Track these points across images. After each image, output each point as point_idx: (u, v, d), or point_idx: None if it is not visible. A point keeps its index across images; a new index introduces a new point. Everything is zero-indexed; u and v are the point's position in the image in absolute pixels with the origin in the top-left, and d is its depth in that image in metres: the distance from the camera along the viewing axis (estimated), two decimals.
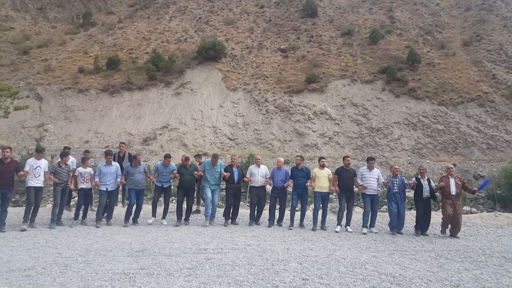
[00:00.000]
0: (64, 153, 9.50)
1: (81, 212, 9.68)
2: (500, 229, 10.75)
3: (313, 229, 9.65)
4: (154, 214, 9.99)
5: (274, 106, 25.85)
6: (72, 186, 9.76)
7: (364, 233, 9.40)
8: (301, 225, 9.98)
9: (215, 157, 10.03)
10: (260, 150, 22.52)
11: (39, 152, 9.01)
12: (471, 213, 13.13)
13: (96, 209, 10.04)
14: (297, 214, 10.50)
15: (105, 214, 9.64)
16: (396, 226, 9.69)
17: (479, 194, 15.78)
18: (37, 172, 8.72)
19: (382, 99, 26.02)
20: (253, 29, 37.12)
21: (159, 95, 27.45)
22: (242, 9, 41.33)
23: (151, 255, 6.19)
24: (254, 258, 6.19)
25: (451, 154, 22.47)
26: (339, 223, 9.80)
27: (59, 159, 9.42)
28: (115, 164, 9.85)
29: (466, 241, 8.88)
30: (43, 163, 8.92)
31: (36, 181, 8.71)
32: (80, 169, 9.60)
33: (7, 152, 8.39)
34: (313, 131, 24.39)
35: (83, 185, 9.49)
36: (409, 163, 20.20)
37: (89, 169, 9.71)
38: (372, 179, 9.86)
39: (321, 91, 26.73)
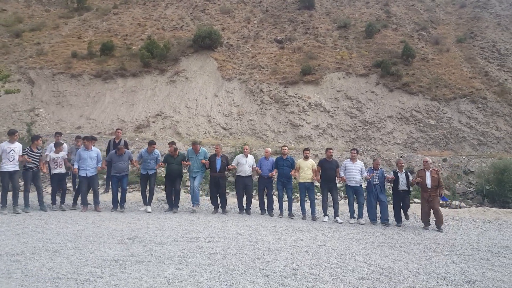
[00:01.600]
0: (36, 137, 9.37)
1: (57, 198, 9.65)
2: (487, 224, 10.94)
3: (303, 218, 9.85)
4: (145, 202, 10.02)
5: (269, 97, 25.78)
6: (45, 170, 9.59)
7: (351, 223, 9.61)
8: (290, 215, 10.10)
9: (194, 143, 10.25)
10: (254, 141, 22.52)
11: (12, 134, 8.78)
12: (460, 207, 13.33)
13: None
14: (285, 204, 10.63)
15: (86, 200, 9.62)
16: (374, 217, 10.00)
17: (468, 189, 16.05)
18: (11, 156, 8.54)
19: (376, 92, 26.07)
20: (249, 19, 36.80)
21: (153, 82, 27.18)
22: None
23: (142, 243, 6.19)
24: (245, 248, 6.23)
25: (442, 149, 22.67)
26: (325, 214, 10.02)
27: (31, 143, 9.31)
28: (95, 149, 9.78)
29: (454, 235, 9.02)
30: (17, 147, 8.73)
31: (10, 165, 8.56)
32: (52, 154, 9.47)
33: None
34: (307, 122, 24.40)
35: (56, 170, 9.39)
36: (401, 156, 20.35)
37: (62, 154, 9.60)
38: (355, 170, 10.07)
39: (316, 83, 26.69)
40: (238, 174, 10.33)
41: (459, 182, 17.16)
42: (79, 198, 9.68)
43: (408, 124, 24.25)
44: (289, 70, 27.87)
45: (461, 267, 5.92)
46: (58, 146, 9.69)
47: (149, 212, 9.57)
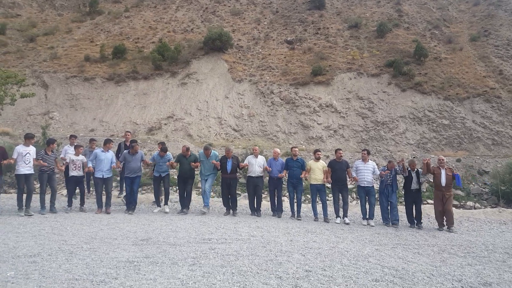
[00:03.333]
0: (51, 141, 9.55)
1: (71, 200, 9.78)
2: (503, 225, 10.75)
3: (315, 220, 9.81)
4: (158, 204, 10.11)
5: (279, 98, 25.76)
6: (62, 169, 9.64)
7: (364, 225, 9.55)
8: (298, 216, 10.08)
9: (207, 149, 10.27)
10: (265, 142, 22.52)
11: (28, 138, 8.94)
12: (475, 208, 13.13)
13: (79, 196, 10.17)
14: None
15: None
16: (388, 218, 9.88)
17: (483, 189, 15.76)
18: (27, 159, 8.72)
19: (388, 92, 25.85)
20: (260, 20, 36.86)
21: (164, 85, 27.42)
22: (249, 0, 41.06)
23: (155, 244, 6.26)
24: (258, 249, 6.24)
25: (456, 149, 22.35)
26: (337, 215, 9.95)
27: (71, 148, 9.54)
28: (111, 152, 9.94)
29: (469, 236, 8.89)
30: (32, 150, 8.90)
31: (26, 168, 8.73)
32: (72, 156, 9.62)
33: None
34: (318, 123, 24.32)
35: (74, 173, 9.52)
36: (414, 157, 20.12)
37: (81, 157, 9.75)
38: (366, 171, 9.99)
39: (327, 84, 26.58)
40: (249, 174, 10.37)
41: (473, 183, 16.89)
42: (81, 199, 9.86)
43: (421, 124, 23.98)
44: (299, 71, 27.82)
45: (476, 269, 5.83)
46: (78, 148, 9.85)
47: (166, 212, 9.66)
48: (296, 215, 10.12)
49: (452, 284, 4.99)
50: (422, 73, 27.20)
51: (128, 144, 11.42)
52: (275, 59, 29.84)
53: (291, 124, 24.40)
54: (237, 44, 31.85)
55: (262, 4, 40.10)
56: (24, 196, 8.73)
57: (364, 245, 7.16)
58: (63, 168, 9.66)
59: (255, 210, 10.33)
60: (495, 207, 13.79)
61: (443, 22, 35.76)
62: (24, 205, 8.69)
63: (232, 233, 7.53)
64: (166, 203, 10.10)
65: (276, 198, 10.46)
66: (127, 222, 8.26)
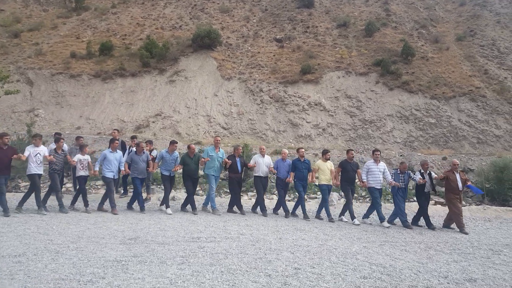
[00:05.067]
0: (58, 139, 9.41)
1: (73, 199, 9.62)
2: (488, 222, 10.96)
3: (330, 220, 9.60)
4: (167, 205, 9.77)
5: (269, 96, 25.79)
6: (73, 163, 9.43)
7: (387, 227, 9.22)
8: (305, 217, 9.92)
9: (217, 142, 10.13)
10: (254, 140, 22.52)
11: (37, 138, 8.88)
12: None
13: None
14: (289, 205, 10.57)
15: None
16: (406, 219, 9.59)
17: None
18: (38, 159, 8.66)
19: (375, 91, 26.10)
20: (249, 18, 36.79)
21: (152, 82, 27.18)
22: None
23: (143, 243, 6.20)
24: (247, 247, 6.24)
25: (442, 147, 22.71)
26: (353, 216, 9.67)
27: (54, 145, 9.33)
28: (119, 152, 9.75)
29: (454, 233, 9.03)
30: (43, 150, 8.84)
31: (38, 168, 8.67)
32: (79, 156, 9.46)
33: (6, 138, 8.32)
34: (307, 122, 24.43)
35: (81, 172, 9.36)
36: (401, 155, 20.38)
37: (87, 156, 9.60)
38: (379, 172, 9.76)
39: (316, 82, 26.71)
40: (256, 174, 10.21)
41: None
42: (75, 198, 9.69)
43: (407, 123, 24.28)
44: (288, 69, 27.88)
45: (462, 265, 5.94)
46: (84, 147, 9.69)
47: (170, 214, 9.43)
48: (304, 216, 9.88)
49: (438, 280, 5.07)
50: (409, 72, 27.54)
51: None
52: (264, 57, 29.84)
53: (280, 122, 24.45)
54: (226, 41, 31.75)
55: (251, 2, 40.02)
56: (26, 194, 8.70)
57: (352, 242, 7.22)
58: (74, 163, 9.41)
59: (262, 209, 10.21)
60: (479, 205, 14.05)
61: (430, 22, 36.23)
62: (38, 204, 8.70)
63: (221, 231, 7.52)
64: (168, 205, 9.92)
65: (279, 199, 10.35)
66: (114, 221, 8.16)
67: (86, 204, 9.25)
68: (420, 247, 7.19)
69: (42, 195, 9.10)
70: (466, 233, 9.01)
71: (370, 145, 22.20)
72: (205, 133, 23.57)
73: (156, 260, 5.21)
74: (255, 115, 24.86)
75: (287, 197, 11.99)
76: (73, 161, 9.28)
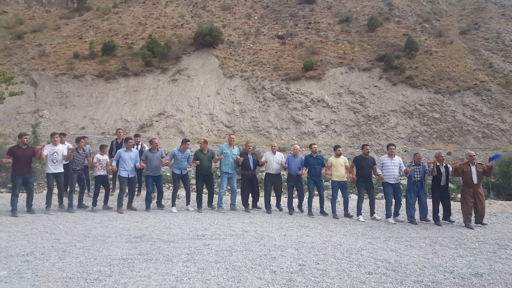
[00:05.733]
0: (79, 138, 9.57)
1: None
2: (493, 217, 10.91)
3: (335, 217, 9.51)
4: (174, 203, 9.82)
5: (271, 93, 25.76)
6: (94, 164, 9.51)
7: (394, 223, 9.16)
8: (322, 212, 9.90)
9: (232, 139, 10.17)
10: (257, 138, 22.53)
11: (56, 136, 9.02)
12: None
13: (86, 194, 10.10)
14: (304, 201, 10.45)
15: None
16: (413, 215, 9.44)
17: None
18: (54, 158, 8.76)
19: (379, 87, 25.99)
20: (250, 15, 36.72)
21: (155, 81, 27.24)
22: None
23: (149, 241, 6.24)
24: (252, 244, 6.26)
25: (446, 142, 22.61)
26: (359, 213, 9.57)
27: (76, 145, 9.48)
28: (135, 151, 9.80)
29: (460, 228, 9.00)
30: (61, 148, 8.95)
31: (54, 167, 8.79)
32: (99, 156, 9.56)
33: (26, 138, 8.43)
34: (310, 119, 24.39)
35: (99, 172, 9.45)
36: (405, 151, 20.32)
37: (106, 156, 9.70)
38: (394, 167, 9.61)
39: (319, 78, 26.64)
40: (267, 172, 10.20)
41: None
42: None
43: (411, 118, 24.18)
44: (291, 66, 27.83)
45: (468, 260, 5.92)
46: (103, 148, 9.78)
47: (189, 210, 9.45)
48: (320, 210, 9.87)
49: (444, 275, 5.06)
50: (413, 67, 27.40)
51: (119, 141, 11.32)
52: (266, 54, 29.79)
53: (283, 119, 24.44)
54: (228, 39, 31.73)
55: None
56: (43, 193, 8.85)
57: (357, 238, 7.22)
58: (96, 164, 9.49)
59: (275, 206, 10.17)
60: (485, 199, 13.96)
61: (434, 16, 35.98)
62: (61, 202, 8.90)
63: (225, 229, 7.54)
64: (188, 203, 9.94)
65: (298, 195, 10.28)
66: (120, 219, 8.22)
67: (94, 203, 9.38)
68: (425, 242, 7.18)
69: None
70: (472, 228, 8.91)
71: (374, 141, 22.15)
72: (208, 131, 23.61)
73: (161, 258, 5.24)
74: (258, 113, 24.86)
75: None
76: (94, 162, 9.41)
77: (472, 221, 9.21)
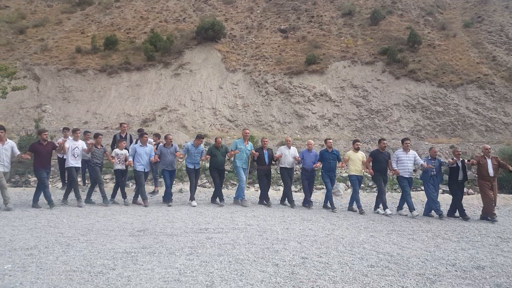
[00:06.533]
0: (97, 135, 9.71)
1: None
2: (496, 210, 10.87)
3: (361, 212, 9.43)
4: (194, 197, 9.86)
5: (274, 87, 25.71)
6: (112, 160, 9.66)
7: (416, 216, 9.12)
8: (333, 208, 9.90)
9: (246, 135, 10.26)
10: (259, 132, 22.52)
11: (76, 132, 9.33)
12: (468, 194, 13.25)
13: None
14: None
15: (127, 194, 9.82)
16: (439, 208, 9.37)
17: (476, 176, 15.75)
18: (76, 152, 9.09)
19: (382, 80, 25.89)
20: (252, 8, 36.54)
21: (157, 76, 27.23)
22: None
23: (152, 235, 6.28)
24: (254, 238, 6.29)
25: (449, 136, 22.53)
26: (385, 206, 9.47)
27: (93, 140, 9.65)
28: (149, 146, 9.88)
29: (462, 221, 9.00)
30: (81, 144, 9.30)
31: (75, 161, 9.11)
32: (117, 150, 9.66)
33: (45, 134, 8.66)
34: (312, 113, 24.35)
35: (118, 166, 9.55)
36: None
37: (125, 151, 9.77)
38: (409, 161, 9.57)
39: (321, 72, 26.55)
40: (282, 166, 10.20)
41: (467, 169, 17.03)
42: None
43: (414, 112, 24.09)
44: (293, 60, 27.73)
45: (470, 253, 5.93)
46: (121, 141, 9.85)
47: (194, 206, 9.50)
48: (332, 207, 9.77)
49: (446, 268, 5.07)
50: (416, 61, 27.24)
51: (123, 135, 11.34)
52: (268, 48, 29.69)
53: (285, 113, 24.40)
54: (230, 33, 31.62)
55: None
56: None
57: (359, 231, 7.23)
58: (112, 160, 9.62)
59: (290, 200, 10.20)
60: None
61: (437, 9, 35.69)
62: (77, 196, 9.04)
63: (228, 222, 7.57)
64: (193, 198, 9.97)
65: (309, 190, 10.31)
66: (123, 213, 8.26)
67: (113, 195, 9.65)
68: (427, 235, 7.18)
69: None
70: (495, 221, 8.85)
71: (377, 135, 22.10)
72: (210, 125, 23.62)
73: (165, 251, 5.27)
74: (261, 107, 24.83)
75: (293, 188, 11.96)
76: (111, 156, 9.59)
77: (495, 214, 9.09)
